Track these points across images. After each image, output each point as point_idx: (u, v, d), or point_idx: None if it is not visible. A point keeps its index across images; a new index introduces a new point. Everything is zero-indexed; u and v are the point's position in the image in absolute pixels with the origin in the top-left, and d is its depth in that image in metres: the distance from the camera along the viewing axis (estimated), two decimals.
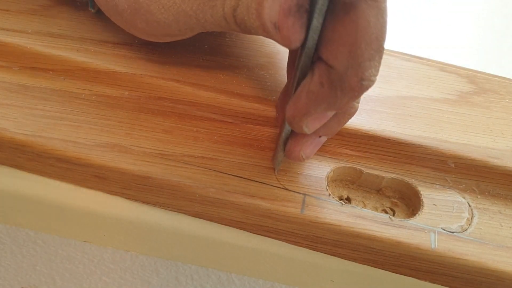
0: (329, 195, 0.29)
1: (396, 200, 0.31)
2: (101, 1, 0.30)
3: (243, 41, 0.36)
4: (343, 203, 0.29)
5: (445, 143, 0.32)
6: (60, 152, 0.28)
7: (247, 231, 0.30)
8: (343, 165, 0.31)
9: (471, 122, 0.34)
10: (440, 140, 0.32)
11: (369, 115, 0.33)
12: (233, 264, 0.33)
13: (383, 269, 0.30)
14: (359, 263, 0.30)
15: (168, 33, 0.29)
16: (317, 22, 0.22)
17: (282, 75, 0.34)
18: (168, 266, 0.40)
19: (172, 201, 0.29)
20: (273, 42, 0.36)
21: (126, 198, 0.30)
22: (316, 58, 0.24)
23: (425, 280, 0.29)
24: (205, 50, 0.35)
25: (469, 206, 0.30)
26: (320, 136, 0.28)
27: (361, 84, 0.23)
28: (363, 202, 0.31)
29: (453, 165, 0.31)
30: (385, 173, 0.31)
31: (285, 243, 0.30)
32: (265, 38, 0.30)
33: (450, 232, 0.28)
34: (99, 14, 0.35)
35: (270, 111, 0.31)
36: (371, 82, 0.23)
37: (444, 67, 0.38)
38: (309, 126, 0.25)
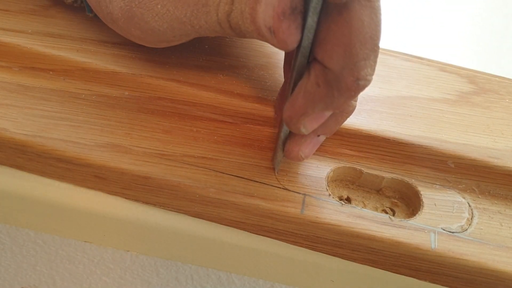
0: (329, 195, 0.29)
1: (396, 200, 0.31)
2: (96, 8, 0.30)
3: (243, 41, 0.36)
4: (343, 203, 0.29)
5: (445, 143, 0.32)
6: (60, 152, 0.28)
7: (247, 231, 0.30)
8: (343, 165, 0.31)
9: (471, 122, 0.34)
10: (440, 140, 0.32)
11: (369, 115, 0.32)
12: (233, 264, 0.33)
13: (383, 269, 0.30)
14: (359, 263, 0.30)
15: (164, 40, 0.29)
16: (312, 21, 0.22)
17: (282, 75, 0.34)
18: (168, 266, 0.40)
19: (172, 201, 0.29)
20: None
21: (126, 198, 0.30)
22: (311, 58, 0.24)
23: (425, 280, 0.29)
24: (205, 50, 0.35)
25: (469, 206, 0.30)
26: (318, 135, 0.28)
27: (357, 83, 0.22)
28: (363, 202, 0.31)
29: (453, 166, 0.31)
30: (385, 173, 0.31)
31: (285, 243, 0.30)
32: None
33: (450, 232, 0.28)
34: (98, 16, 0.35)
35: (270, 111, 0.31)
36: (367, 82, 0.23)
37: (444, 67, 0.38)
38: (307, 126, 0.25)
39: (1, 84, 0.31)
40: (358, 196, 0.31)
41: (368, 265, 0.30)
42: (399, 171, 0.31)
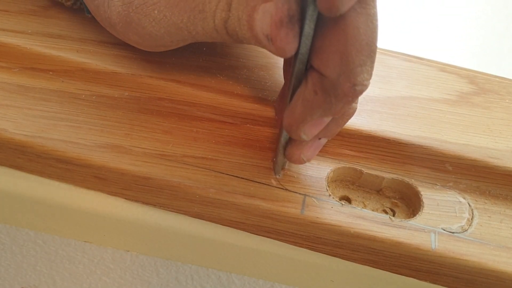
0: (329, 195, 0.29)
1: (396, 201, 0.31)
2: (95, 12, 0.30)
3: None
4: (343, 203, 0.29)
5: (445, 143, 0.32)
6: (60, 153, 0.28)
7: (247, 231, 0.30)
8: (343, 165, 0.31)
9: (471, 122, 0.34)
10: (440, 140, 0.32)
11: (369, 115, 0.32)
12: (233, 264, 0.34)
13: (383, 270, 0.30)
14: (359, 263, 0.30)
15: (161, 44, 0.29)
16: (309, 29, 0.22)
17: (282, 76, 0.34)
18: (168, 266, 0.40)
19: (172, 201, 0.29)
20: None
21: (126, 198, 0.30)
22: (309, 66, 0.24)
23: (426, 280, 0.29)
24: (205, 50, 0.35)
25: (470, 206, 0.30)
26: (320, 139, 0.28)
27: (354, 89, 0.23)
28: (363, 202, 0.31)
29: (450, 168, 0.31)
30: (385, 173, 0.31)
31: (285, 243, 0.30)
32: None
33: (450, 232, 0.28)
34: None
35: (270, 111, 0.31)
36: (364, 87, 0.23)
37: (444, 68, 0.38)
38: (307, 133, 0.26)
39: (1, 85, 0.31)
40: (358, 196, 0.31)
41: (368, 265, 0.30)
42: (399, 171, 0.31)
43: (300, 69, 0.24)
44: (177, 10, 0.26)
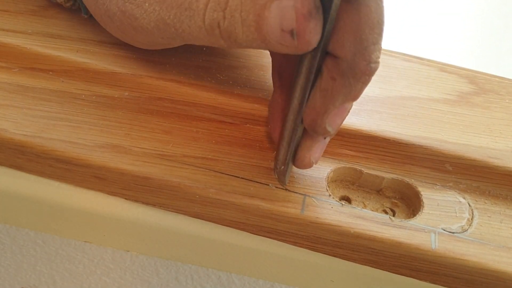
0: (329, 195, 0.29)
1: (396, 201, 0.31)
2: (93, 7, 0.30)
3: None
4: (343, 203, 0.29)
5: (445, 143, 0.31)
6: (60, 153, 0.28)
7: (247, 231, 0.30)
8: (343, 165, 0.31)
9: (471, 122, 0.34)
10: (440, 140, 0.32)
11: (369, 115, 0.32)
12: (233, 264, 0.33)
13: (383, 270, 0.30)
14: (359, 263, 0.30)
15: (153, 41, 0.28)
16: (334, 13, 0.22)
17: None
18: (168, 266, 0.40)
19: (172, 201, 0.29)
20: None
21: (125, 198, 0.30)
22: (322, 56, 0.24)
23: (426, 280, 0.29)
24: (205, 50, 0.35)
25: (470, 206, 0.30)
26: (324, 138, 0.28)
27: (370, 67, 0.23)
28: (363, 202, 0.31)
29: (451, 168, 0.31)
30: (385, 173, 0.31)
31: (285, 243, 0.30)
32: None
33: (450, 232, 0.28)
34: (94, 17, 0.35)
35: None
36: (377, 64, 0.24)
37: (444, 68, 0.38)
38: (332, 124, 0.26)
39: (1, 85, 0.31)
40: (358, 196, 0.31)
41: (368, 265, 0.30)
42: (399, 171, 0.31)
43: (318, 62, 0.24)
44: (165, 5, 0.26)
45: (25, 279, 0.46)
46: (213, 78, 0.33)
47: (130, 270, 0.41)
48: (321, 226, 0.28)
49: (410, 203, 0.31)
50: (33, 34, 0.33)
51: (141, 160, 0.29)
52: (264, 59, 0.35)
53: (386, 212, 0.30)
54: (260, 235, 0.30)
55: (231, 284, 0.40)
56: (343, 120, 0.26)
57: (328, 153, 0.32)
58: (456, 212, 0.29)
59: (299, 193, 0.29)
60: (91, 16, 0.34)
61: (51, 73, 0.32)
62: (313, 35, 0.22)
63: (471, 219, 0.29)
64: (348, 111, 0.26)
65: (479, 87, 0.37)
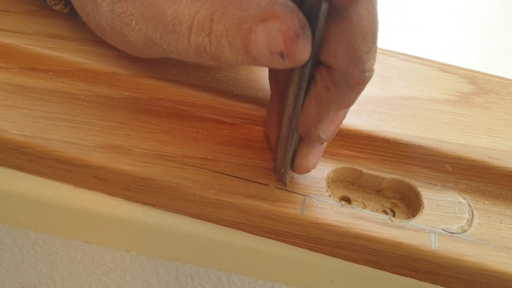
0: (329, 196, 0.29)
1: (396, 201, 0.31)
2: (86, 19, 0.29)
3: None
4: (343, 204, 0.29)
5: (445, 143, 0.32)
6: (60, 153, 0.28)
7: (247, 232, 0.30)
8: (343, 165, 0.31)
9: (471, 122, 0.34)
10: (440, 140, 0.32)
11: (369, 115, 0.32)
12: (233, 264, 0.34)
13: (383, 270, 0.30)
14: (359, 264, 0.30)
15: (145, 54, 0.28)
16: (321, 26, 0.22)
17: None
18: (168, 266, 0.40)
19: (172, 202, 0.29)
20: None
21: (126, 199, 0.30)
22: (315, 64, 0.24)
23: (426, 281, 0.29)
24: None
25: (470, 207, 0.30)
26: (322, 143, 0.28)
27: (364, 76, 0.23)
28: (363, 203, 0.31)
29: (450, 169, 0.31)
30: (385, 173, 0.31)
31: (285, 244, 0.30)
32: None
33: (450, 233, 0.28)
34: None
35: None
36: (372, 72, 0.23)
37: (444, 68, 0.38)
38: (326, 131, 0.26)
39: (1, 85, 0.31)
40: (358, 196, 0.31)
41: (368, 266, 0.30)
42: (399, 171, 0.31)
43: (310, 70, 0.24)
44: (151, 25, 0.25)
45: (25, 279, 0.46)
46: (213, 78, 0.33)
47: (130, 270, 0.41)
48: (321, 227, 0.28)
49: (410, 204, 0.31)
50: (33, 34, 0.33)
51: (141, 161, 0.29)
52: None
53: (386, 213, 0.30)
54: (260, 236, 0.30)
55: (231, 284, 0.40)
56: (338, 126, 0.26)
57: (328, 154, 0.32)
58: (456, 213, 0.29)
59: (299, 194, 0.29)
60: None
61: (51, 73, 0.32)
62: (303, 55, 0.22)
63: (471, 219, 0.29)
64: (343, 118, 0.26)
65: (479, 87, 0.37)
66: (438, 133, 0.32)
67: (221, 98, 0.32)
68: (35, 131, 0.29)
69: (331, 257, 0.30)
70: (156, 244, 0.33)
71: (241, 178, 0.29)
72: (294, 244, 0.30)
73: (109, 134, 0.30)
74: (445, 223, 0.29)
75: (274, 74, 0.30)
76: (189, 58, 0.25)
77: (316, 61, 0.24)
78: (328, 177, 0.30)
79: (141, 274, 0.41)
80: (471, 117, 0.34)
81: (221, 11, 0.22)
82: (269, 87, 0.33)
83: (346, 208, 0.29)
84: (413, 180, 0.31)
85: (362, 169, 0.31)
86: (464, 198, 0.30)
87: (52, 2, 0.33)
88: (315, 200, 0.29)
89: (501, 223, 0.30)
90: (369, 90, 0.34)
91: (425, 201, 0.30)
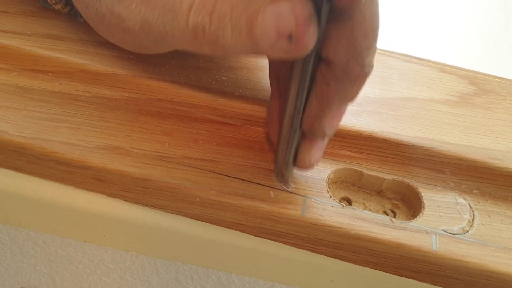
0: (330, 197, 0.29)
1: (397, 202, 0.31)
2: (84, 11, 0.29)
3: None
4: (344, 205, 0.29)
5: (446, 144, 0.31)
6: (60, 155, 0.28)
7: (248, 233, 0.30)
8: (343, 166, 0.31)
9: (471, 123, 0.34)
10: (441, 141, 0.32)
11: (370, 116, 0.32)
12: (233, 264, 0.33)
13: (384, 271, 0.30)
14: (360, 265, 0.30)
15: (140, 44, 0.28)
16: (323, 21, 0.22)
17: None
18: (168, 266, 0.40)
19: (172, 203, 0.29)
20: None
21: (125, 200, 0.30)
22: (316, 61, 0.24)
23: (427, 282, 0.29)
24: None
25: (470, 207, 0.30)
26: (323, 139, 0.28)
27: (364, 71, 0.24)
28: (364, 204, 0.31)
29: (449, 173, 0.31)
30: (386, 174, 0.31)
31: (285, 245, 0.30)
32: None
33: (451, 233, 0.28)
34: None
35: None
36: (371, 68, 0.24)
37: (445, 68, 0.38)
38: (330, 126, 0.26)
39: (0, 87, 0.31)
40: (359, 197, 0.31)
41: (369, 267, 0.30)
42: (400, 172, 0.31)
43: (313, 64, 0.24)
44: (150, 6, 0.25)
45: (25, 279, 0.46)
46: (213, 79, 0.33)
47: (130, 270, 0.41)
48: (322, 228, 0.28)
49: (410, 204, 0.31)
50: (33, 35, 0.33)
51: (141, 162, 0.29)
52: (264, 60, 0.35)
53: (386, 214, 0.30)
54: (260, 237, 0.30)
55: (231, 284, 0.40)
56: (341, 120, 0.27)
57: (328, 154, 0.31)
58: (457, 213, 0.29)
59: (300, 195, 0.29)
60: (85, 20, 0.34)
61: (50, 74, 0.32)
62: (311, 40, 0.22)
63: (472, 220, 0.29)
64: (345, 111, 0.27)
65: (479, 88, 0.37)
66: (438, 133, 0.32)
67: (222, 99, 0.32)
68: (35, 133, 0.29)
69: (331, 258, 0.30)
70: (156, 244, 0.33)
71: (242, 179, 0.29)
72: (295, 245, 0.30)
73: (109, 135, 0.30)
74: (446, 224, 0.29)
75: (275, 73, 0.30)
76: (183, 42, 0.25)
77: (318, 59, 0.24)
78: (328, 178, 0.30)
79: (141, 274, 0.41)
80: (472, 118, 0.34)
81: None
82: (269, 88, 0.33)
83: (347, 209, 0.29)
84: (413, 181, 0.31)
85: (363, 170, 0.31)
86: (465, 199, 0.30)
87: (53, 1, 0.33)
88: (316, 201, 0.29)
89: (502, 223, 0.29)
90: (370, 91, 0.34)
91: (426, 202, 0.30)
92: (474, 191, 0.31)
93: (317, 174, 0.30)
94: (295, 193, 0.29)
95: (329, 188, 0.30)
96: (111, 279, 0.43)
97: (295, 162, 0.28)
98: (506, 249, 0.28)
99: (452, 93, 0.36)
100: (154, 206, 0.30)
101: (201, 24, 0.23)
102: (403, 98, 0.35)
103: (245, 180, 0.29)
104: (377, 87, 0.35)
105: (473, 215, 0.30)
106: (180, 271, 0.40)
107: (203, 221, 0.30)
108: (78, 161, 0.28)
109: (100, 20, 0.28)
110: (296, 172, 0.30)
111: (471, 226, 0.29)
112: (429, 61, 0.39)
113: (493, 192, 0.31)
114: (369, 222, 0.28)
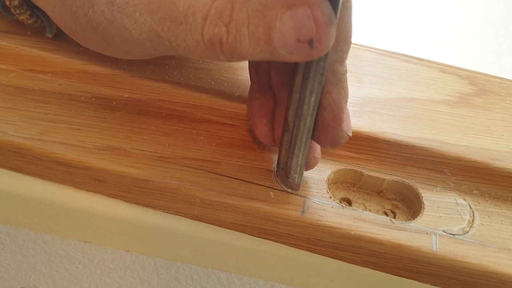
0: (330, 197, 0.29)
1: (397, 203, 0.31)
2: (69, 22, 0.28)
3: None
4: (343, 205, 0.29)
5: (446, 145, 0.31)
6: (59, 155, 0.28)
7: (248, 234, 0.30)
8: (343, 167, 0.31)
9: (471, 123, 0.34)
10: (440, 142, 0.32)
11: (370, 117, 0.32)
12: (233, 264, 0.33)
13: (384, 272, 0.30)
14: (360, 265, 0.30)
15: (144, 52, 0.27)
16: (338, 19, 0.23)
17: None
18: (168, 266, 0.40)
19: (171, 204, 0.29)
20: None
21: (125, 201, 0.30)
22: None
23: (427, 282, 0.29)
24: None
25: (470, 208, 0.30)
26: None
27: (345, 69, 0.26)
28: (363, 204, 0.31)
29: (449, 174, 0.31)
30: (386, 175, 0.31)
31: (285, 245, 0.30)
32: None
33: (451, 234, 0.28)
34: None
35: None
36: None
37: (445, 69, 0.38)
38: (347, 127, 0.27)
39: (0, 87, 0.31)
40: (358, 198, 0.31)
41: (369, 267, 0.30)
42: (400, 173, 0.31)
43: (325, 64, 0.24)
44: (158, 17, 0.24)
45: (25, 279, 0.46)
46: (213, 79, 0.33)
47: (130, 270, 0.41)
48: (322, 228, 0.28)
49: (410, 205, 0.31)
50: (32, 35, 0.33)
51: (141, 163, 0.29)
52: None
53: (386, 214, 0.30)
54: (260, 237, 0.30)
55: (231, 284, 0.40)
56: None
57: (328, 155, 0.31)
58: (457, 214, 0.29)
59: (300, 195, 0.29)
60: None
61: (50, 75, 0.32)
62: (332, 40, 0.22)
63: (472, 221, 0.29)
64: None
65: (479, 88, 0.37)
66: (438, 134, 0.32)
67: (221, 99, 0.32)
68: (34, 133, 0.29)
69: (331, 258, 0.30)
70: (156, 244, 0.33)
71: (242, 180, 0.29)
72: (295, 245, 0.30)
73: (108, 135, 0.30)
74: (446, 225, 0.29)
75: (254, 64, 0.30)
76: (196, 53, 0.24)
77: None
78: (328, 179, 0.30)
79: (141, 274, 0.41)
80: (472, 118, 0.34)
81: None
82: None
83: (347, 210, 0.29)
84: (413, 182, 0.31)
85: (363, 171, 0.31)
86: (465, 200, 0.30)
87: (17, 11, 0.31)
88: (315, 202, 0.29)
89: (502, 224, 0.29)
90: (370, 91, 0.34)
91: (425, 202, 0.30)
92: (474, 192, 0.31)
93: (317, 175, 0.30)
94: (295, 194, 0.29)
95: (329, 189, 0.30)
96: (111, 279, 0.43)
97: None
98: (506, 250, 0.28)
99: (452, 94, 0.36)
100: (154, 207, 0.30)
101: (218, 35, 0.23)
102: (403, 99, 0.35)
103: (245, 181, 0.29)
104: (377, 87, 0.35)
105: (473, 215, 0.30)
106: (180, 271, 0.40)
107: (203, 221, 0.30)
108: (77, 162, 0.28)
109: (93, 28, 0.27)
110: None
111: (471, 227, 0.29)
112: (429, 61, 0.39)
113: (493, 193, 0.31)
114: (369, 222, 0.28)
